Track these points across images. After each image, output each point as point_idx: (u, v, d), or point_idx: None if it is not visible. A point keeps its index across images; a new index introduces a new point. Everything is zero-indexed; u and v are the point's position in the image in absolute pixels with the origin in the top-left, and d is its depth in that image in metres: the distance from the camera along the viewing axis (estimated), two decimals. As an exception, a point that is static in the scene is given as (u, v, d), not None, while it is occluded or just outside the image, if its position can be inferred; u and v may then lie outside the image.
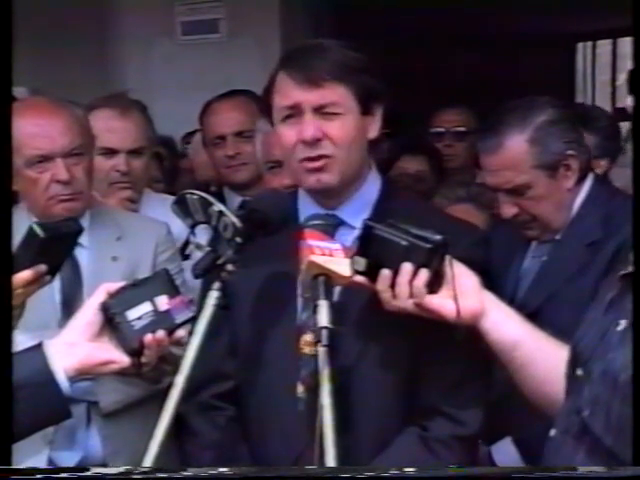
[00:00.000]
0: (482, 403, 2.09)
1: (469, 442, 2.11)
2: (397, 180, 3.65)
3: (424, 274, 1.84)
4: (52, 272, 2.13)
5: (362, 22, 6.93)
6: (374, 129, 2.12)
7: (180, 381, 1.79)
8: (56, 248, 2.13)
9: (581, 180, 2.62)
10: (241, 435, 2.16)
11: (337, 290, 1.95)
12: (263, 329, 2.11)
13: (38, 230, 2.05)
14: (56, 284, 2.49)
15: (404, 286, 1.84)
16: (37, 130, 2.52)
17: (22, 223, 2.51)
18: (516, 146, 2.55)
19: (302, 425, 1.99)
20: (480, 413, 2.09)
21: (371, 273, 1.88)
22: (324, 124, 2.03)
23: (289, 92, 2.05)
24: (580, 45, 10.57)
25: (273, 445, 2.09)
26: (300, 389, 2.04)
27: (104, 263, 2.58)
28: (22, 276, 2.04)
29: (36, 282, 2.09)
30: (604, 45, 10.93)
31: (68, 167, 2.52)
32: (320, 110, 2.03)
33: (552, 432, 1.60)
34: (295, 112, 2.05)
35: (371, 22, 7.34)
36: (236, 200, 3.42)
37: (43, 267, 2.08)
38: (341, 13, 6.00)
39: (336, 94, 2.03)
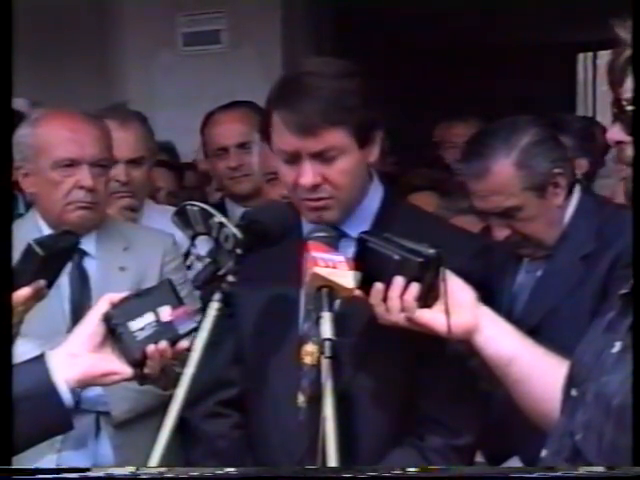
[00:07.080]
0: (479, 414, 2.08)
1: (465, 452, 2.09)
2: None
3: (415, 288, 1.82)
4: (49, 285, 2.13)
5: (363, 32, 6.94)
6: (374, 154, 2.07)
7: (181, 394, 1.77)
8: (55, 263, 2.14)
9: (569, 193, 2.60)
10: (246, 442, 2.16)
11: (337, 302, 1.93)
12: (266, 339, 2.11)
13: (37, 249, 2.05)
14: (65, 293, 2.54)
15: (395, 300, 1.83)
16: (69, 135, 2.56)
17: (32, 230, 2.53)
18: (503, 170, 2.52)
19: (303, 434, 1.99)
20: (476, 424, 2.08)
21: (366, 287, 1.87)
22: (323, 168, 1.99)
23: (285, 139, 1.99)
24: (581, 56, 10.58)
25: (274, 453, 2.09)
26: (301, 399, 2.04)
27: (112, 273, 2.60)
28: (22, 293, 2.03)
29: (35, 297, 2.08)
30: (605, 56, 10.93)
31: (93, 176, 2.56)
32: (319, 156, 1.98)
33: (543, 453, 1.56)
34: (293, 157, 2.00)
35: (372, 32, 7.36)
36: (238, 211, 3.40)
37: (42, 282, 2.08)
38: (342, 23, 6.01)
39: (334, 138, 1.97)
